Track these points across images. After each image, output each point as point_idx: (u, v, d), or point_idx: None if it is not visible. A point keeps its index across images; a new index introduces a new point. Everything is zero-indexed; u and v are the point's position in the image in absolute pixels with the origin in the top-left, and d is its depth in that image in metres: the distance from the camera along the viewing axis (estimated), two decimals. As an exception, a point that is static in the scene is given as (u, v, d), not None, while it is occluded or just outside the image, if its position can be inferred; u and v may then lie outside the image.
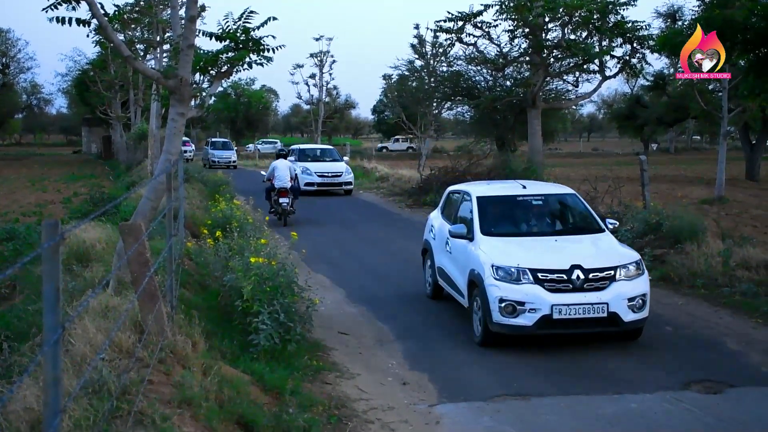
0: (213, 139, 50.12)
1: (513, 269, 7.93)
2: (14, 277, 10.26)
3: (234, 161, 44.57)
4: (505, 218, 9.30)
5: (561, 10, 22.43)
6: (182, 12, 10.33)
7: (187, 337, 6.06)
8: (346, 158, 28.33)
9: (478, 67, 28.78)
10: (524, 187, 9.84)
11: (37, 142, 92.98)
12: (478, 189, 9.82)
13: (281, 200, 17.44)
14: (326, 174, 25.61)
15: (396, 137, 69.50)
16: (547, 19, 23.44)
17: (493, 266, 8.05)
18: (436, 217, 10.83)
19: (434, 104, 32.03)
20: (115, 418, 4.36)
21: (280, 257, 8.40)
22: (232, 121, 66.87)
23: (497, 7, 23.17)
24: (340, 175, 25.73)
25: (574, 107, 56.01)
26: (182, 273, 8.58)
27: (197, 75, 9.24)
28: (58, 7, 7.76)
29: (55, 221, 2.92)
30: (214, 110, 59.55)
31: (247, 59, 9.00)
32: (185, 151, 48.50)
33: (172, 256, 6.85)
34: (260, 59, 9.09)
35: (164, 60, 18.66)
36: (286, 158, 19.52)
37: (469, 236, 8.81)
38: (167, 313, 6.13)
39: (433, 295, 10.39)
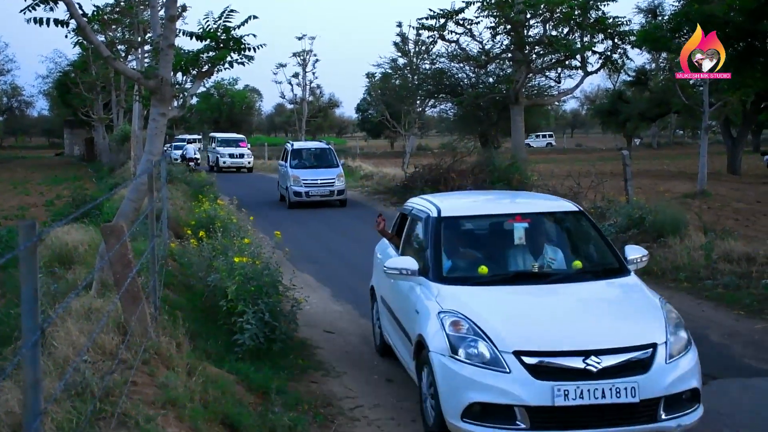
0: (294, 146, 24.54)
1: None
2: (-4, 280, 10.17)
3: (343, 190, 22.65)
4: None
5: (542, 6, 22.53)
6: (162, 12, 10.28)
7: (171, 338, 6.03)
8: None
9: (461, 65, 28.87)
10: None
11: (18, 144, 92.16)
12: None
13: (191, 164, 34.36)
14: None
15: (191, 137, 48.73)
16: (528, 16, 23.54)
17: None
18: None
19: (418, 102, 32.09)
20: (99, 419, 4.33)
21: (264, 256, 8.39)
22: (215, 122, 66.55)
23: (479, 4, 23.24)
24: None
25: (557, 103, 56.11)
26: (166, 274, 8.53)
27: (179, 75, 9.20)
28: (36, 8, 7.69)
29: (32, 222, 2.89)
30: (198, 110, 59.28)
31: (228, 58, 8.97)
32: (240, 155, 39.92)
33: (155, 256, 6.82)
34: (241, 58, 9.06)
35: (145, 60, 18.58)
36: (194, 143, 41.48)
37: None
38: (151, 314, 6.10)
39: None
